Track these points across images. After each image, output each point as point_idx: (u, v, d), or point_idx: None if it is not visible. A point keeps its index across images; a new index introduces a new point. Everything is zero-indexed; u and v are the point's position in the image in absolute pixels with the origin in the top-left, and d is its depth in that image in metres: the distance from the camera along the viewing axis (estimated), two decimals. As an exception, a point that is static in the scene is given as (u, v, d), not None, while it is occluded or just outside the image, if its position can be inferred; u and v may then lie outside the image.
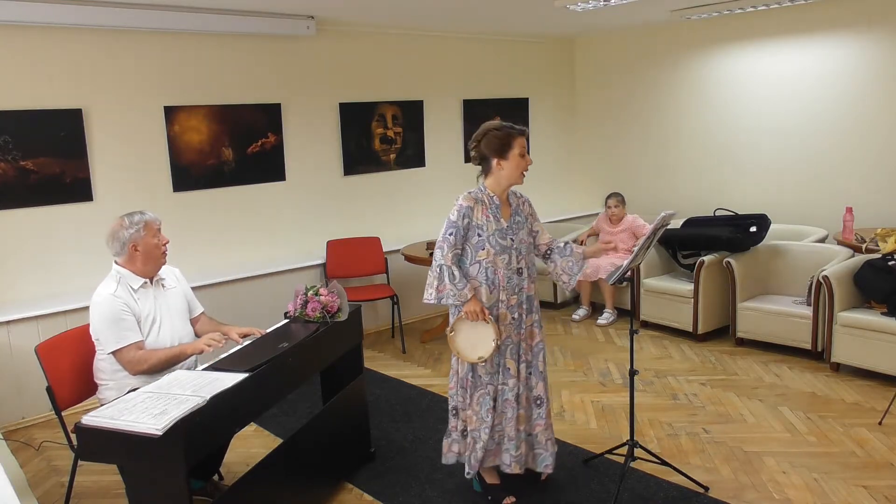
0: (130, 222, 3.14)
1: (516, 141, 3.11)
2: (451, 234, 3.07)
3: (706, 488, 3.33)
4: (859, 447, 3.68)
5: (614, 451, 3.53)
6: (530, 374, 3.25)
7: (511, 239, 3.13)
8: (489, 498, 3.32)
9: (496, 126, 3.17)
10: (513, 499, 3.28)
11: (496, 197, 3.15)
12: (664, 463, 3.42)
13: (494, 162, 3.14)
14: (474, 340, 3.08)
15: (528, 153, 3.16)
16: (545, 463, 3.31)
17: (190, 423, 2.33)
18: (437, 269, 3.06)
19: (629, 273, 3.35)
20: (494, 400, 3.19)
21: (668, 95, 6.91)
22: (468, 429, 3.24)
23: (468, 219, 3.10)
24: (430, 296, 3.09)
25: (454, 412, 3.28)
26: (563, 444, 3.82)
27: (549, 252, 3.32)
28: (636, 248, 3.30)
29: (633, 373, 3.39)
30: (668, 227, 6.01)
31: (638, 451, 3.42)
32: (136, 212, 3.20)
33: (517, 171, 3.12)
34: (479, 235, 3.10)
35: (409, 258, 5.57)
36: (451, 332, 3.12)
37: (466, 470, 3.29)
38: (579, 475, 3.51)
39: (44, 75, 4.56)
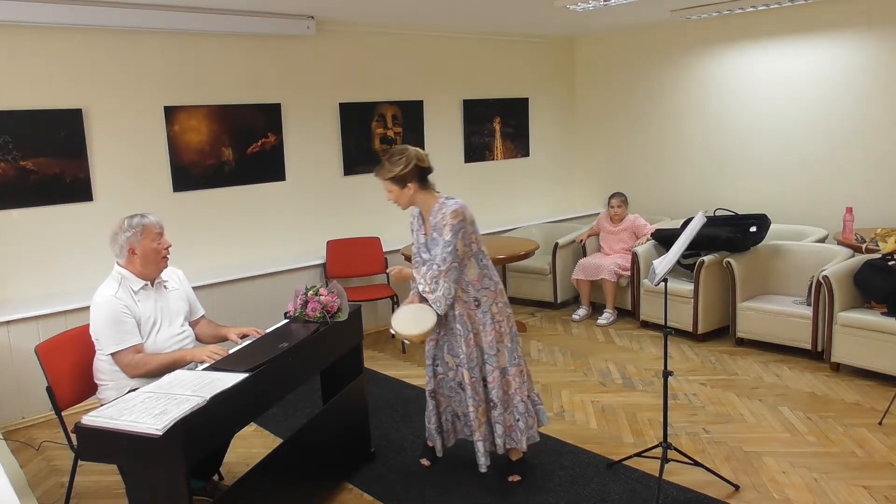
0: (129, 225, 3.12)
1: None
2: None
3: (737, 487, 3.32)
4: (859, 447, 3.68)
5: (644, 454, 3.49)
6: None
7: (432, 253, 3.27)
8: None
9: None
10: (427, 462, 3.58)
11: (421, 212, 3.37)
12: (697, 464, 3.40)
13: None
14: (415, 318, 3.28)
15: (388, 191, 3.30)
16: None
17: (190, 423, 2.33)
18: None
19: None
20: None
21: (668, 95, 6.91)
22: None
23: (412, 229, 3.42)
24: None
25: None
26: (563, 445, 3.83)
27: None
28: (676, 249, 3.29)
29: (667, 374, 3.37)
30: (667, 227, 6.05)
31: (671, 453, 3.39)
32: (137, 214, 3.18)
33: None
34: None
35: (409, 258, 5.56)
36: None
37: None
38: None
39: (44, 75, 4.56)
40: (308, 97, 5.76)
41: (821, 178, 5.94)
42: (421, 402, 4.52)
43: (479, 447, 3.32)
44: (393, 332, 3.23)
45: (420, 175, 3.23)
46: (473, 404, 3.29)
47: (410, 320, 3.24)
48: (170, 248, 3.23)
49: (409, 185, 3.21)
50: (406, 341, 3.28)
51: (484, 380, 3.32)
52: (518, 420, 3.36)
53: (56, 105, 4.62)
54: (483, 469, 3.34)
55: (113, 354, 3.03)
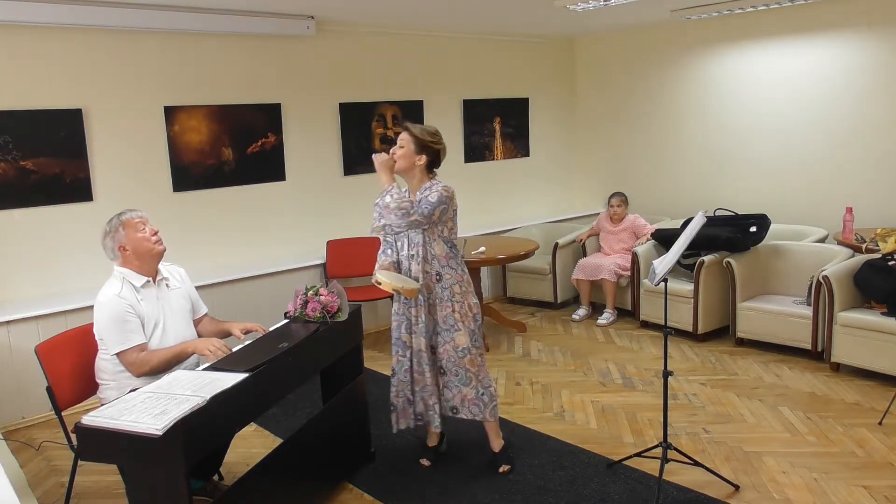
0: (109, 227, 3.13)
1: None
2: None
3: (737, 487, 3.32)
4: (859, 447, 3.69)
5: (644, 454, 3.49)
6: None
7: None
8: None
9: None
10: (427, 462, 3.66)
11: (408, 191, 3.45)
12: (697, 464, 3.40)
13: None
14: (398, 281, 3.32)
15: (400, 144, 3.41)
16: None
17: (190, 423, 2.33)
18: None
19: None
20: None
21: (668, 95, 6.91)
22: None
23: None
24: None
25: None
26: (563, 444, 3.83)
27: None
28: (676, 249, 3.30)
29: (667, 374, 3.37)
30: (667, 227, 6.05)
31: (671, 453, 3.39)
32: (114, 216, 3.18)
33: None
34: None
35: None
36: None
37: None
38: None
39: (44, 75, 4.56)
40: (308, 97, 5.76)
41: (821, 178, 5.94)
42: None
43: (436, 409, 3.46)
44: (377, 281, 3.28)
45: (433, 159, 3.41)
46: (430, 370, 3.41)
47: (394, 279, 3.31)
48: (159, 233, 3.20)
49: (422, 156, 3.37)
50: (394, 292, 3.30)
51: (433, 349, 3.44)
52: (482, 394, 3.46)
53: (56, 105, 4.62)
54: (436, 430, 3.57)
55: (118, 354, 3.03)
